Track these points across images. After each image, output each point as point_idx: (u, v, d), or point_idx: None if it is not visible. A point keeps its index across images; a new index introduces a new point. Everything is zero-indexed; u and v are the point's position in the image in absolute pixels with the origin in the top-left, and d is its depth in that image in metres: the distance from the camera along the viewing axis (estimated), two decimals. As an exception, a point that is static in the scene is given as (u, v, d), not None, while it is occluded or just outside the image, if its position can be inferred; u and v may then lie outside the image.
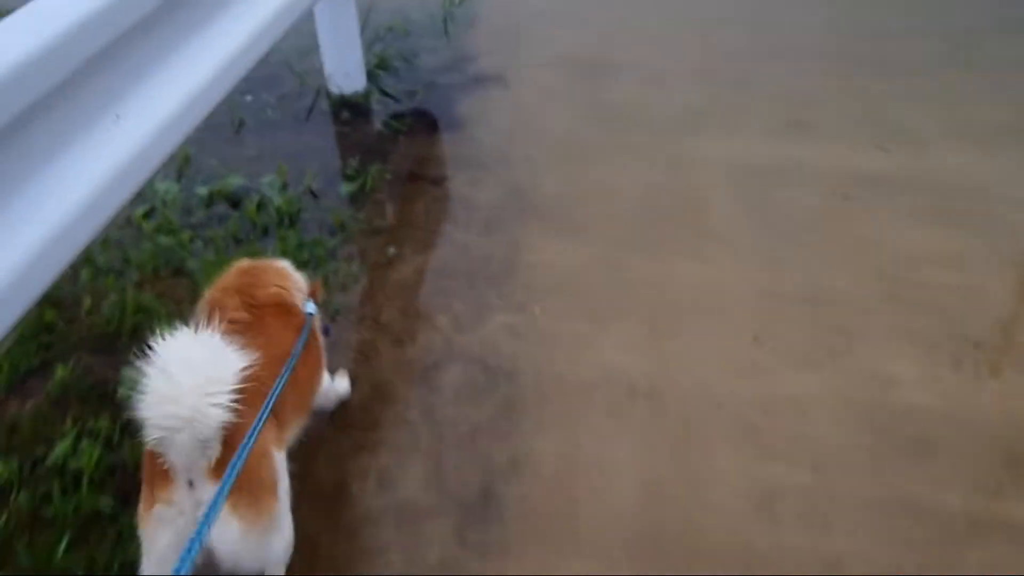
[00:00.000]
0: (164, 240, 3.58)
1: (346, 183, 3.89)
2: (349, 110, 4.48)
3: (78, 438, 2.70)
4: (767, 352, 2.89)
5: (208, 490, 1.69)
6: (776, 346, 2.91)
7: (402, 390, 2.82)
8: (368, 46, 4.86)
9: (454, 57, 4.94)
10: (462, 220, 3.60)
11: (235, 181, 3.93)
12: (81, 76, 2.09)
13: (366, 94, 4.56)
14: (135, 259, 3.49)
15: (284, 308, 2.22)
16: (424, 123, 4.35)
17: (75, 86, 2.09)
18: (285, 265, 2.43)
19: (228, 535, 1.73)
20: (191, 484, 1.72)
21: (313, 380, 2.34)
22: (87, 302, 3.28)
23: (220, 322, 1.97)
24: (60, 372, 2.93)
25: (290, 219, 3.65)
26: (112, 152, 2.19)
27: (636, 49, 4.93)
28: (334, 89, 4.54)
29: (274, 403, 1.86)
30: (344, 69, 4.47)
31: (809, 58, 4.75)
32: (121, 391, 2.86)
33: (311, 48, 4.55)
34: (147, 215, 3.78)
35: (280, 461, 1.94)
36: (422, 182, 3.88)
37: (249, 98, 4.63)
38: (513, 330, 3.03)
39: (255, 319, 2.11)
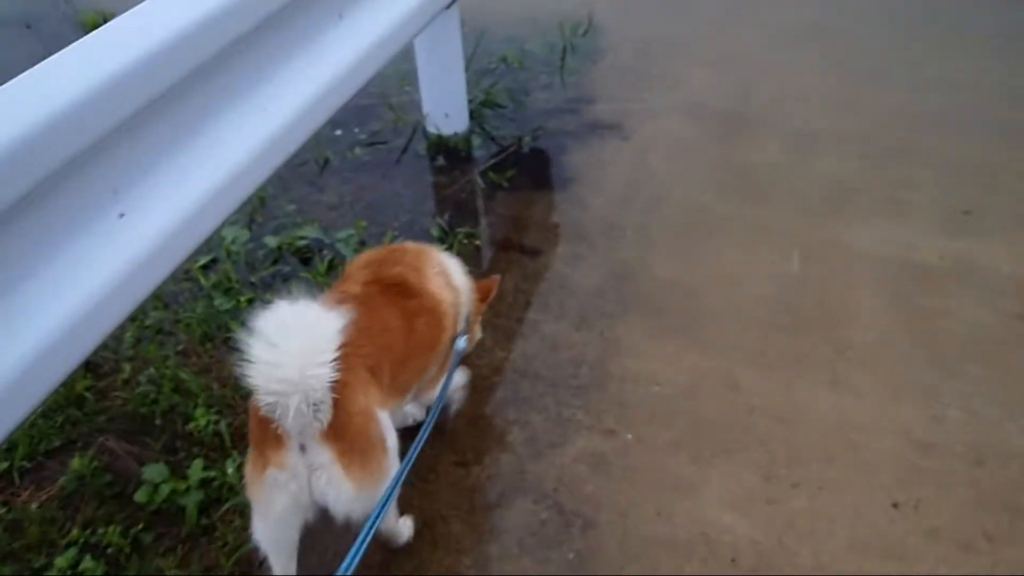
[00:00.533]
0: (220, 301, 3.35)
1: (430, 246, 3.58)
2: (446, 155, 4.17)
3: (82, 551, 2.48)
4: (908, 524, 2.42)
5: (320, 453, 1.84)
6: (921, 518, 2.44)
7: (457, 530, 2.48)
8: (475, 80, 4.55)
9: (570, 97, 4.58)
10: (554, 306, 3.24)
11: (309, 233, 3.69)
12: (86, 156, 1.82)
13: (467, 137, 4.24)
14: (186, 319, 3.27)
15: (403, 289, 2.31)
16: (527, 176, 4.00)
17: (82, 168, 1.82)
18: (436, 251, 2.56)
19: (343, 496, 1.88)
20: (303, 448, 1.84)
21: (428, 350, 2.37)
22: (126, 370, 3.07)
23: (338, 293, 2.22)
24: (77, 463, 2.71)
25: (362, 286, 3.36)
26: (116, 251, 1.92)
27: (780, 102, 4.45)
28: (431, 129, 4.25)
29: (374, 364, 2.04)
30: (444, 109, 4.17)
31: (981, 126, 4.15)
32: (140, 494, 2.62)
33: (413, 74, 4.24)
34: (207, 267, 3.56)
35: (385, 419, 2.02)
36: (515, 252, 3.53)
37: (339, 132, 4.38)
38: (598, 460, 2.66)
39: (365, 294, 2.23)
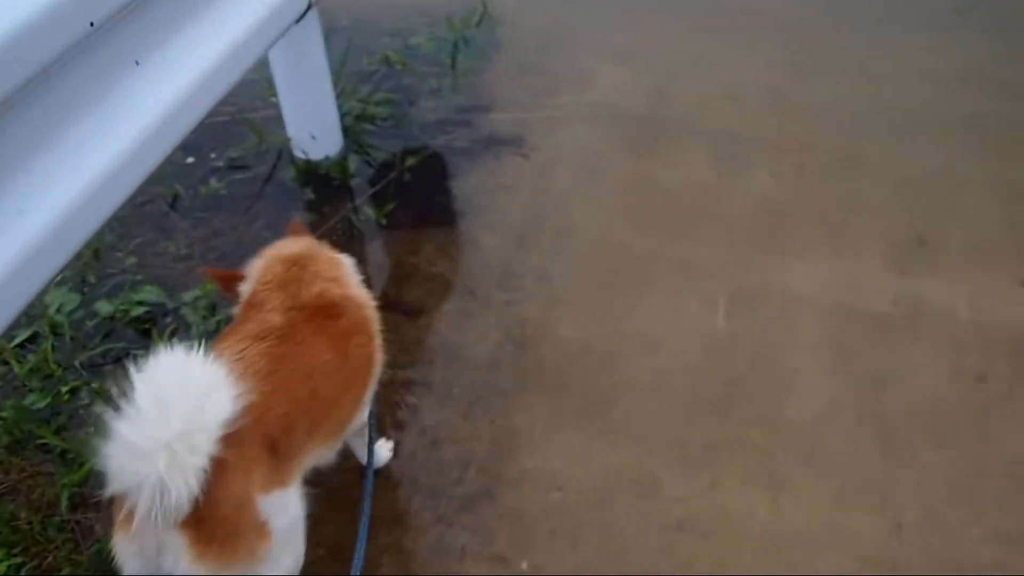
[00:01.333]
0: (35, 396, 2.92)
1: (292, 308, 3.16)
2: (315, 184, 3.74)
3: None
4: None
5: (170, 535, 1.62)
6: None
7: None
8: (351, 88, 4.12)
9: (462, 105, 4.15)
10: (438, 385, 2.86)
11: (148, 297, 3.26)
12: None
13: (340, 160, 3.81)
14: (-7, 422, 2.84)
15: (327, 311, 2.08)
16: (409, 210, 3.59)
17: None
18: (335, 253, 2.31)
19: None
20: (156, 523, 1.59)
21: (346, 399, 2.12)
22: (-82, 500, 2.64)
23: (253, 324, 1.98)
24: None
25: (210, 363, 2.95)
26: None
27: (708, 103, 4.07)
28: (299, 153, 3.81)
29: (273, 430, 1.80)
30: (310, 129, 3.73)
31: (940, 131, 3.82)
32: None
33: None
34: (25, 344, 3.12)
35: (272, 504, 1.77)
36: (392, 312, 3.10)
37: (191, 160, 3.92)
38: (486, 602, 2.29)
39: (289, 324, 1.99)
